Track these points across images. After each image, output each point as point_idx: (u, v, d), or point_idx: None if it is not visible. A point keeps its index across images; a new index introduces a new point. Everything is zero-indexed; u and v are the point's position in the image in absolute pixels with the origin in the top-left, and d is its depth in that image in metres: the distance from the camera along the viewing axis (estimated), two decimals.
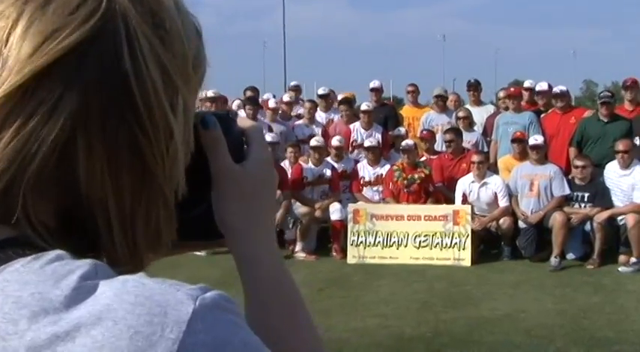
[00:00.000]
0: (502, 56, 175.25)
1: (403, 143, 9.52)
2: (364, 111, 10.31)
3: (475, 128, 10.39)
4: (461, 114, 10.28)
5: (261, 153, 0.84)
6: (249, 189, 0.82)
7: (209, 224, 0.82)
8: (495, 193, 9.00)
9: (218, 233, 0.83)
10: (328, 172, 9.51)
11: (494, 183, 9.00)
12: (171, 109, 0.69)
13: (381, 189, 9.60)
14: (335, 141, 9.72)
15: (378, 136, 10.12)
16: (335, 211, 9.21)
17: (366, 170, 9.71)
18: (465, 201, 9.05)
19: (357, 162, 9.86)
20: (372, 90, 11.04)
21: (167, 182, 0.70)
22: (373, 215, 8.99)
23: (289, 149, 9.62)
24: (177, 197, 0.72)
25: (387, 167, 9.59)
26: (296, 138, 10.25)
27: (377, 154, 9.69)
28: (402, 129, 10.41)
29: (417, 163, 9.44)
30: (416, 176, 9.31)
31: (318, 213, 9.29)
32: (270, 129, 10.00)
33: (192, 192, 0.75)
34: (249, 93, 11.23)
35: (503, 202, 8.95)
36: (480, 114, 10.57)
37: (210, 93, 10.34)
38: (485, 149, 9.96)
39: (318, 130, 10.40)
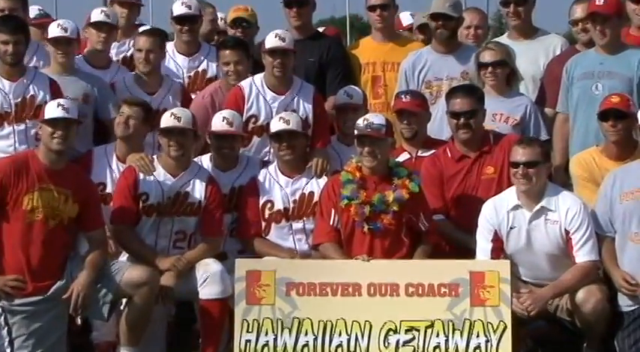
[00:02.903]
0: None
1: (360, 122, 9.08)
2: (271, 51, 9.97)
3: (522, 87, 10.42)
4: (487, 56, 10.11)
5: None
6: None
7: None
8: (566, 233, 8.73)
9: None
10: (199, 189, 9.44)
11: (564, 211, 8.81)
12: None
13: (310, 226, 9.43)
14: (219, 123, 9.69)
15: (306, 107, 10.04)
16: (209, 278, 9.07)
17: (276, 185, 9.66)
18: (498, 251, 8.83)
19: (265, 165, 9.91)
20: (290, 3, 10.88)
21: None
22: (291, 284, 8.80)
23: (124, 108, 9.73)
24: None
25: (325, 178, 9.64)
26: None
27: (301, 149, 9.65)
28: (358, 91, 10.36)
29: (391, 167, 9.21)
30: (390, 197, 8.98)
31: (167, 281, 9.10)
32: (56, 92, 9.70)
33: None
34: (2, 4, 10.90)
35: (582, 254, 8.74)
36: (530, 57, 10.73)
37: None
38: (544, 135, 9.93)
39: (172, 100, 10.36)
